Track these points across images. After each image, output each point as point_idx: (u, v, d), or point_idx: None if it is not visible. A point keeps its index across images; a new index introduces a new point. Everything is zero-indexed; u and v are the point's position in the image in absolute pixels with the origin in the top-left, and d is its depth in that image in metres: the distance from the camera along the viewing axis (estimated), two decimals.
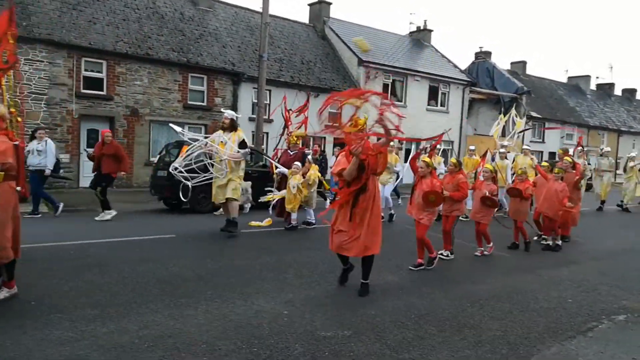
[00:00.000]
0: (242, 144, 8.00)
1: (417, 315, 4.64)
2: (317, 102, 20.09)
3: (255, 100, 16.24)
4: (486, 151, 10.54)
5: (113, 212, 9.69)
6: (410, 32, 27.96)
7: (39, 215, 9.70)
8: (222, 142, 7.95)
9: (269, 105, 17.89)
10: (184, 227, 8.93)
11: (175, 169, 7.83)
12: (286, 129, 9.89)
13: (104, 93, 15.31)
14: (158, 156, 12.58)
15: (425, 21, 28.30)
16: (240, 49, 19.05)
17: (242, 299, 4.83)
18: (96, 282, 5.21)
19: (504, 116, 14.89)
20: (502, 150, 12.01)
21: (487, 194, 7.18)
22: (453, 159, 7.29)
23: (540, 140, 29.79)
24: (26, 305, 4.38)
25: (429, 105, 24.46)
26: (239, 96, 18.08)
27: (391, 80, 22.99)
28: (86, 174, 15.20)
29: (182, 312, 4.39)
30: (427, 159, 6.51)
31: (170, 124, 8.72)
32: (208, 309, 4.52)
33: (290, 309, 4.60)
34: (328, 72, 21.32)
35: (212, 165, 8.06)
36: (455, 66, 26.71)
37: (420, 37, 27.50)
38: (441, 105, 25.11)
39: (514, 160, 12.14)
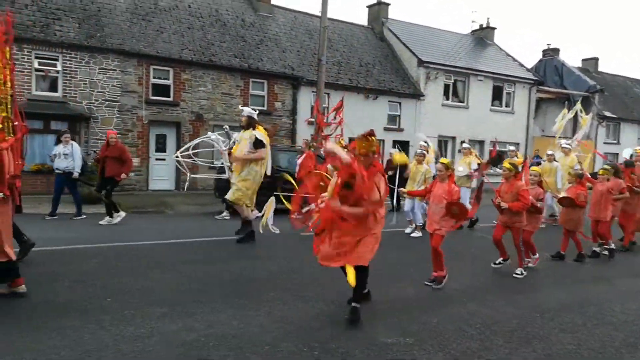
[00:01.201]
0: (256, 143, 7.45)
1: (481, 324, 4.49)
2: (374, 103, 20.10)
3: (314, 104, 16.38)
4: (525, 160, 9.77)
5: (122, 214, 9.46)
6: (473, 31, 27.24)
7: (56, 217, 9.69)
8: (237, 141, 7.71)
9: (327, 108, 17.99)
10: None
11: (177, 156, 8.11)
12: (320, 133, 9.76)
13: (170, 99, 16.01)
14: (222, 160, 13.02)
15: (488, 19, 27.59)
16: (300, 53, 19.31)
17: (303, 302, 4.88)
18: (164, 281, 5.45)
19: (568, 111, 13.62)
20: (549, 152, 10.88)
21: (533, 200, 6.47)
22: (507, 163, 6.46)
23: (615, 141, 28.03)
24: (103, 302, 4.64)
25: (492, 105, 23.69)
26: (298, 100, 18.33)
27: (452, 81, 22.48)
28: (155, 177, 16.00)
29: (245, 313, 4.49)
30: (446, 161, 5.77)
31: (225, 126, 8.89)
32: (270, 311, 4.60)
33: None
34: (387, 74, 21.15)
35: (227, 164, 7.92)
36: (521, 65, 25.70)
37: (483, 36, 26.72)
38: (506, 106, 24.24)
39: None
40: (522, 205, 6.13)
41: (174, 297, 4.89)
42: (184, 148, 8.85)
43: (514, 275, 6.29)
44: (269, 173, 7.90)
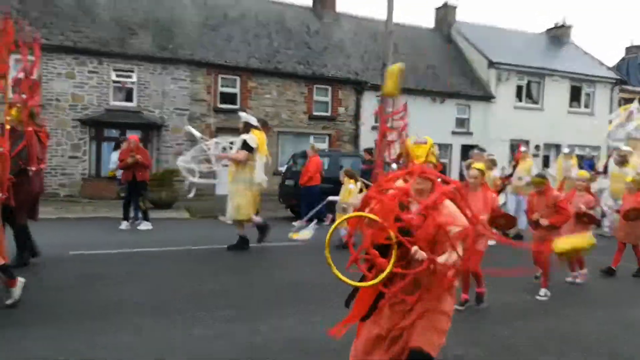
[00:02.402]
0: (244, 145, 7.28)
1: (559, 338, 4.21)
2: (441, 107, 19.60)
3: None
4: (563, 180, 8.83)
5: (150, 226, 9.55)
6: (548, 30, 25.93)
7: (138, 221, 9.76)
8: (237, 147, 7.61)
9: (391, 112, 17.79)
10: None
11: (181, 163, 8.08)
12: (384, 138, 9.56)
13: (237, 107, 16.45)
14: (286, 166, 13.17)
15: (564, 17, 26.09)
16: (364, 58, 19.25)
17: None
18: (232, 284, 5.58)
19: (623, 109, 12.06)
20: (619, 156, 9.53)
21: (583, 208, 5.88)
22: (534, 178, 5.78)
23: None
24: (175, 304, 4.82)
25: (570, 107, 22.37)
26: (361, 105, 18.27)
27: (525, 82, 21.47)
28: (223, 182, 16.49)
29: (309, 319, 4.50)
30: (481, 166, 5.13)
31: (188, 127, 8.88)
32: (336, 317, 4.54)
33: None
34: (455, 76, 20.58)
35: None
36: (602, 63, 24.07)
37: (558, 34, 25.33)
38: (585, 107, 22.79)
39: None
40: (564, 219, 5.44)
41: (241, 300, 4.99)
42: (188, 154, 8.91)
43: (537, 297, 5.48)
44: (258, 180, 7.53)
